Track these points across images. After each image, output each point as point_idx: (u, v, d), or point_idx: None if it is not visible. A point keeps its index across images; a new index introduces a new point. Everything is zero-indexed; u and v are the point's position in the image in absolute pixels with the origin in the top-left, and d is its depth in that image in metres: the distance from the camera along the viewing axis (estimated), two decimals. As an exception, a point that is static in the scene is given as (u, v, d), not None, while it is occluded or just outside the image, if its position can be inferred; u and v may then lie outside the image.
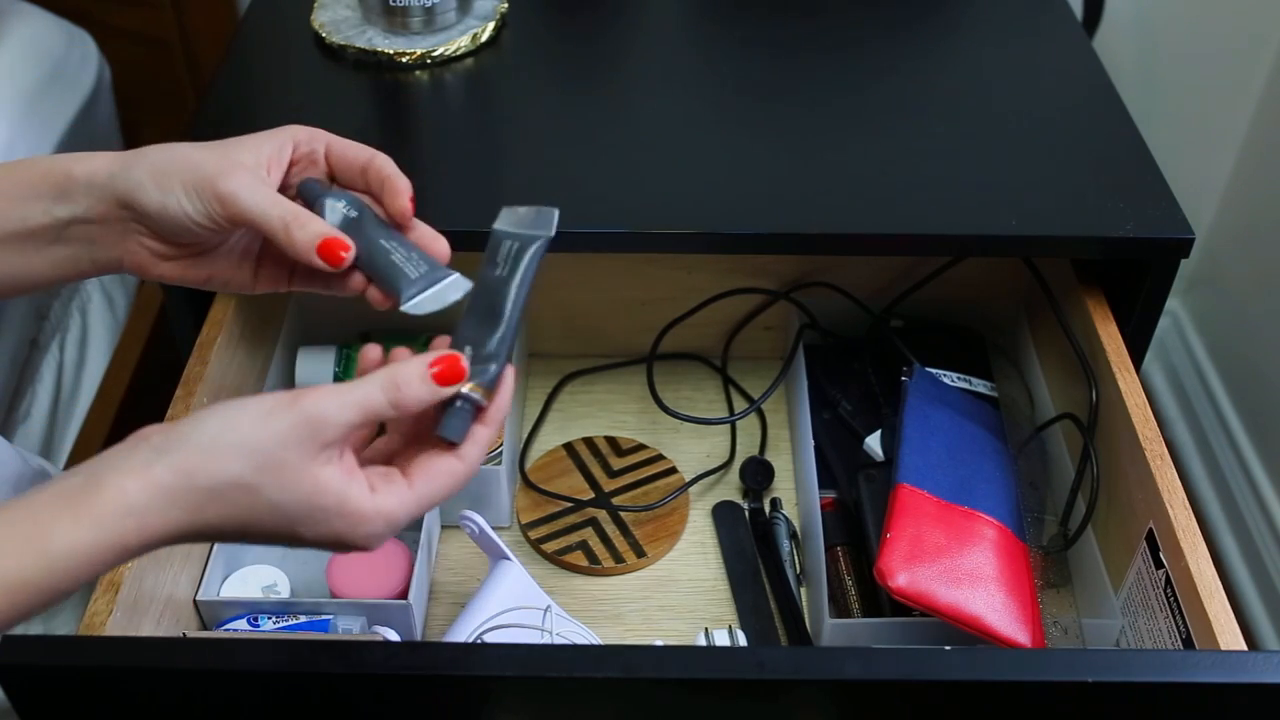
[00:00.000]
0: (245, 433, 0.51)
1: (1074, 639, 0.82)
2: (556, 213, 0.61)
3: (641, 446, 0.98)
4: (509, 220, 0.62)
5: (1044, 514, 0.88)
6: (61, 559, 0.49)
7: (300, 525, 0.53)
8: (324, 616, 0.80)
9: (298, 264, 0.62)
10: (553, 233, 0.60)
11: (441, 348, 0.57)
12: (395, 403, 0.54)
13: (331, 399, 0.52)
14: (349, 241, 0.58)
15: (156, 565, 0.74)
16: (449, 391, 0.55)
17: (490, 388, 0.57)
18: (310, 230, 0.58)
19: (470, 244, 0.75)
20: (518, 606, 0.78)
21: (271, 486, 0.51)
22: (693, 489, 0.95)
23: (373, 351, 0.57)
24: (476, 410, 0.56)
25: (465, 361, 0.55)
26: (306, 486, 0.52)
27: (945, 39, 1.04)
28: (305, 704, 0.60)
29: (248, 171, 0.58)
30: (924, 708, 0.60)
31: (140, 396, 1.31)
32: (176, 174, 0.57)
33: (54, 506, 0.50)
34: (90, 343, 1.31)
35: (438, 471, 0.55)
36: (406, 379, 0.54)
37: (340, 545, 0.54)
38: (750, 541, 0.91)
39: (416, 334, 0.91)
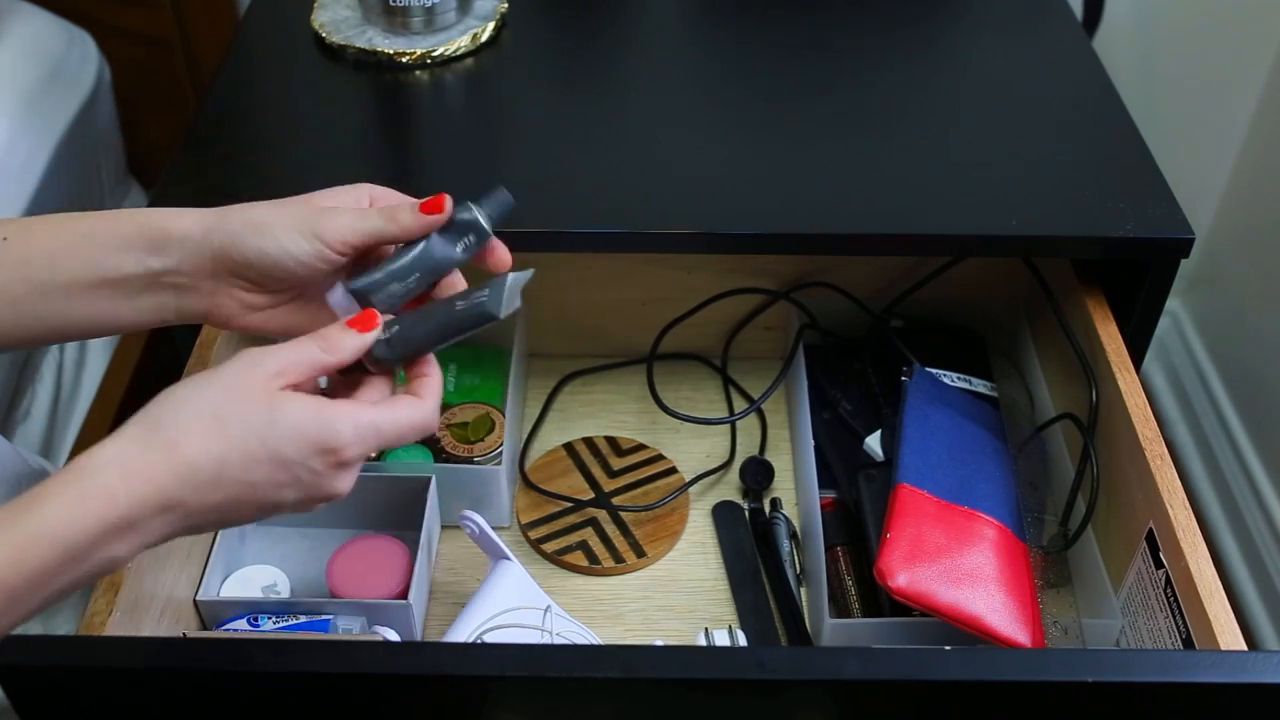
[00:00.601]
0: (197, 387, 0.54)
1: (1074, 639, 0.82)
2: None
3: (641, 446, 0.98)
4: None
5: (1044, 514, 0.88)
6: (43, 532, 0.49)
7: (277, 451, 0.53)
8: (324, 616, 0.80)
9: None
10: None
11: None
12: (326, 347, 0.57)
13: (265, 349, 0.56)
14: (445, 200, 0.62)
15: (156, 565, 0.74)
16: (369, 337, 0.58)
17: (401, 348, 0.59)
18: (407, 203, 0.62)
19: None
20: (518, 606, 0.78)
21: (234, 412, 0.53)
22: (693, 489, 0.95)
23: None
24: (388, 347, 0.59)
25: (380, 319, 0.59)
26: (265, 402, 0.54)
27: (945, 39, 1.05)
28: (305, 704, 0.60)
29: (331, 209, 0.62)
30: (924, 708, 0.60)
31: (140, 396, 1.30)
32: (273, 221, 0.61)
33: (32, 493, 0.51)
34: (90, 343, 1.31)
35: (396, 400, 0.58)
36: (330, 330, 0.58)
37: (315, 482, 0.55)
38: (750, 541, 0.91)
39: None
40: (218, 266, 0.61)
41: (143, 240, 0.61)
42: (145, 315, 0.63)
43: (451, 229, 0.62)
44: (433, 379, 0.60)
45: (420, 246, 0.62)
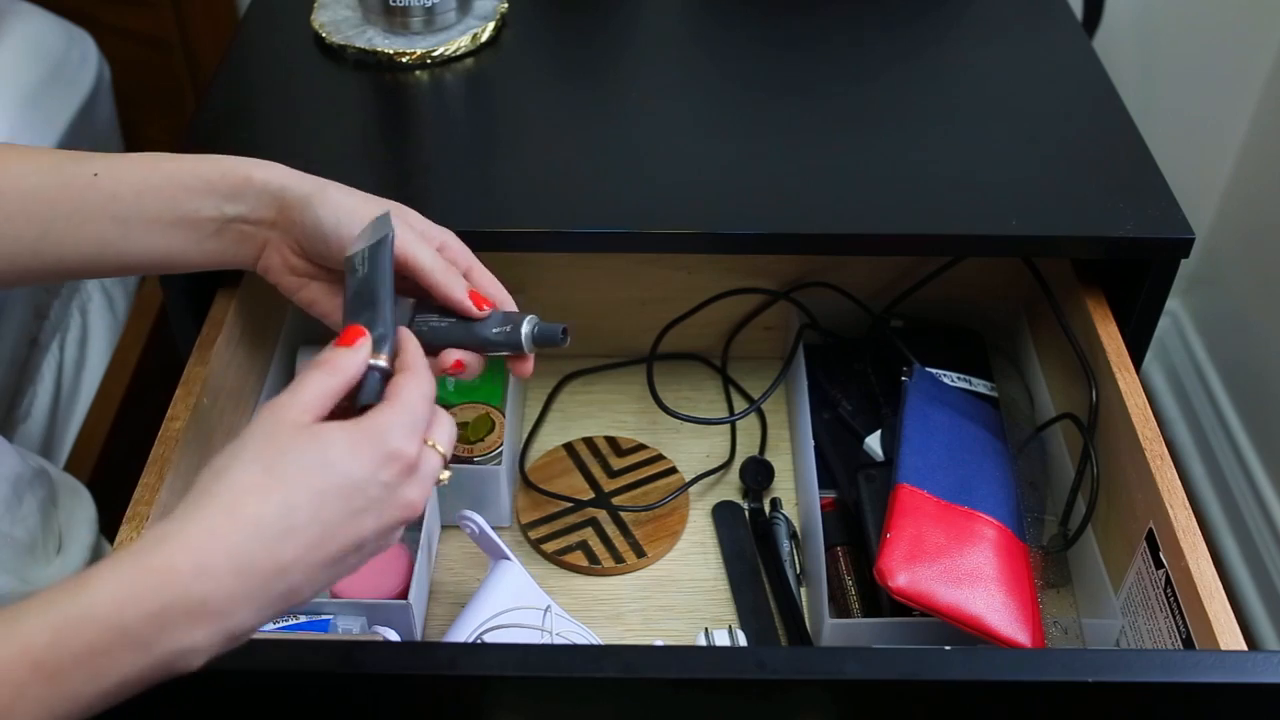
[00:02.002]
0: (231, 453, 0.51)
1: (1074, 639, 0.82)
2: (389, 213, 0.64)
3: (641, 446, 0.98)
4: (355, 244, 0.64)
5: (1044, 514, 0.88)
6: (91, 613, 0.45)
7: (344, 476, 0.51)
8: (324, 616, 0.80)
9: None
10: (393, 231, 0.63)
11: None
12: (330, 370, 0.55)
13: (277, 399, 0.54)
14: (494, 303, 0.65)
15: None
16: (362, 352, 0.57)
17: (392, 354, 0.59)
18: (462, 281, 0.64)
19: (471, 244, 0.75)
20: (518, 606, 0.78)
21: (282, 458, 0.51)
22: (693, 489, 0.95)
23: None
24: (385, 376, 0.58)
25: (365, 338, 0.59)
26: (307, 438, 0.51)
27: (945, 39, 1.05)
28: (305, 704, 0.60)
29: (409, 228, 0.64)
30: (924, 708, 0.60)
31: (140, 396, 1.31)
32: (341, 202, 0.63)
33: (85, 573, 0.47)
34: (90, 343, 1.31)
35: (395, 384, 0.57)
36: (326, 354, 0.57)
37: (390, 499, 0.53)
38: (750, 541, 0.91)
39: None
40: (279, 218, 0.64)
41: (225, 185, 0.64)
42: (210, 257, 0.66)
43: (501, 318, 0.65)
44: (406, 346, 0.59)
45: (464, 327, 0.65)
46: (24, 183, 0.63)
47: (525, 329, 0.64)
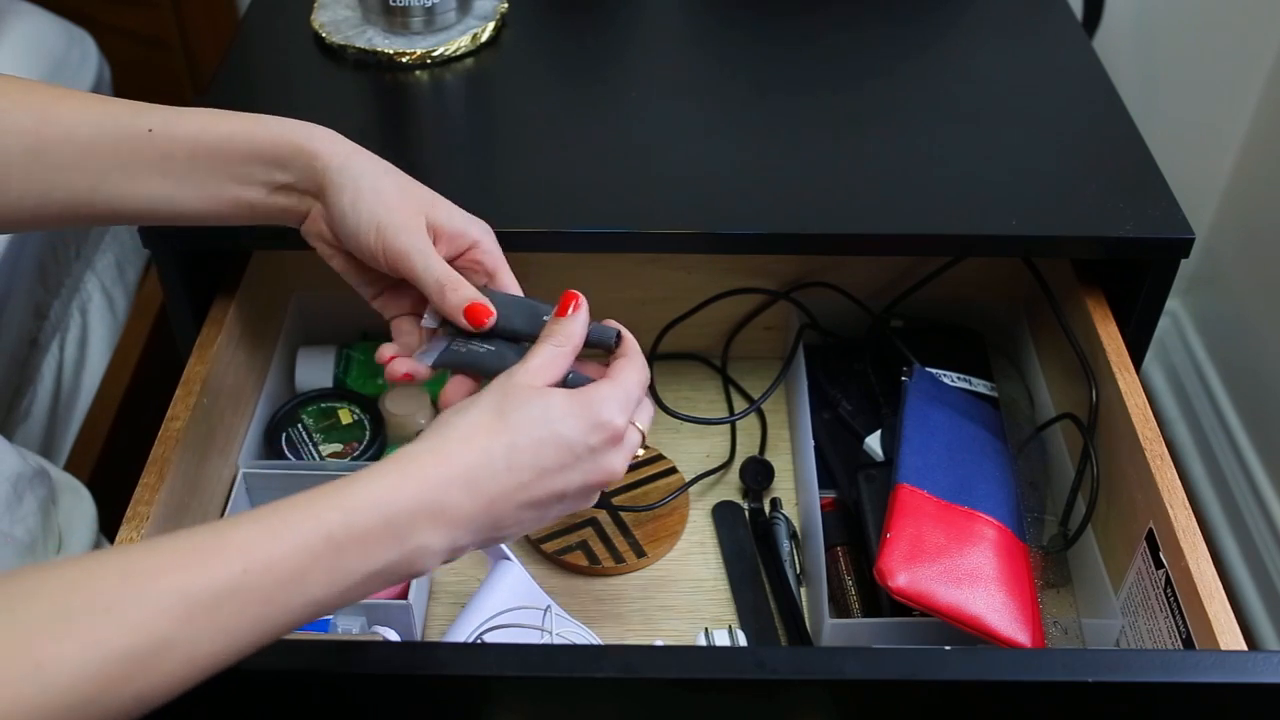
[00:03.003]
0: (471, 401, 0.59)
1: (1074, 639, 0.82)
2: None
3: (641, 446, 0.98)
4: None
5: (1044, 514, 0.88)
6: (369, 500, 0.53)
7: (558, 433, 0.57)
8: (324, 616, 0.80)
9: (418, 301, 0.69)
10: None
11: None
12: (558, 341, 0.62)
13: (513, 368, 0.61)
14: (493, 309, 0.66)
15: (156, 565, 0.73)
16: (580, 316, 0.64)
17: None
18: (460, 294, 0.65)
19: (470, 244, 0.75)
20: (518, 606, 0.78)
21: (514, 408, 0.58)
22: (693, 489, 0.95)
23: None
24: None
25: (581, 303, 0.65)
26: (538, 396, 0.58)
27: (945, 39, 1.05)
28: (305, 704, 0.60)
29: (422, 236, 0.65)
30: (924, 708, 0.60)
31: (140, 396, 1.31)
32: (368, 206, 0.64)
33: (344, 479, 0.54)
34: (90, 343, 1.31)
35: (617, 366, 0.64)
36: (553, 326, 0.63)
37: (595, 463, 0.59)
38: (750, 541, 0.91)
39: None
40: (320, 194, 0.66)
41: (275, 153, 0.65)
42: (259, 216, 0.67)
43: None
44: (625, 339, 0.66)
45: (502, 354, 0.66)
46: (78, 132, 0.63)
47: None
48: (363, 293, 0.70)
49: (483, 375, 0.66)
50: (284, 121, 0.66)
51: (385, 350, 0.68)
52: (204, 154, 0.64)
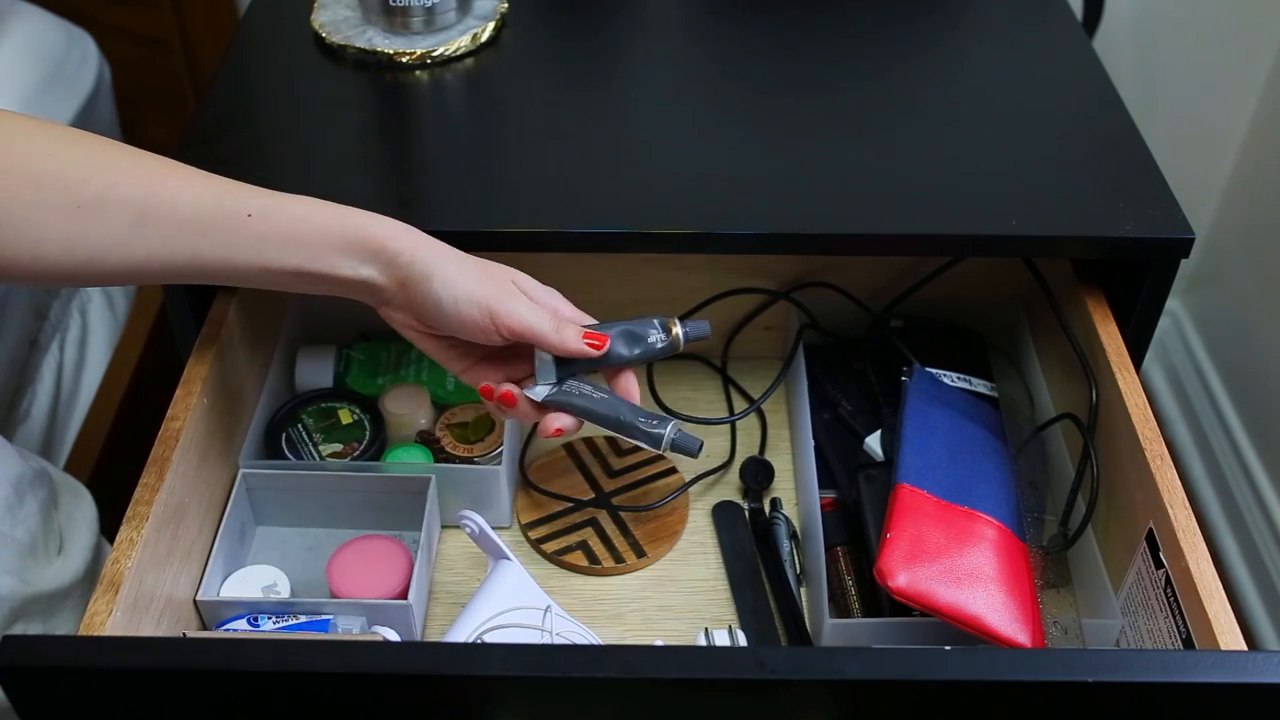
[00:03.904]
0: None
1: (1074, 639, 0.82)
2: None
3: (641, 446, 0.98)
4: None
5: (1044, 514, 0.88)
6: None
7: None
8: (324, 616, 0.80)
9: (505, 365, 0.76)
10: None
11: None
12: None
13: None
14: (607, 335, 0.73)
15: (156, 565, 0.74)
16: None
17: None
18: (574, 329, 0.72)
19: (471, 244, 0.75)
20: (518, 606, 0.78)
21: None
22: (693, 489, 0.95)
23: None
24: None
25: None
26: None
27: (945, 39, 1.05)
28: (305, 704, 0.60)
29: (519, 295, 0.72)
30: (924, 708, 0.60)
31: (140, 396, 1.31)
32: (460, 282, 0.70)
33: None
34: (90, 343, 1.31)
35: None
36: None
37: None
38: (750, 541, 0.91)
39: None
40: (401, 289, 0.70)
41: (362, 248, 0.70)
42: (336, 296, 0.72)
43: (650, 416, 0.73)
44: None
45: (614, 405, 0.74)
46: (181, 211, 0.67)
47: (668, 433, 0.72)
48: (452, 368, 0.75)
49: (592, 421, 0.73)
50: (374, 218, 0.70)
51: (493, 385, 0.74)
52: (296, 242, 0.69)
